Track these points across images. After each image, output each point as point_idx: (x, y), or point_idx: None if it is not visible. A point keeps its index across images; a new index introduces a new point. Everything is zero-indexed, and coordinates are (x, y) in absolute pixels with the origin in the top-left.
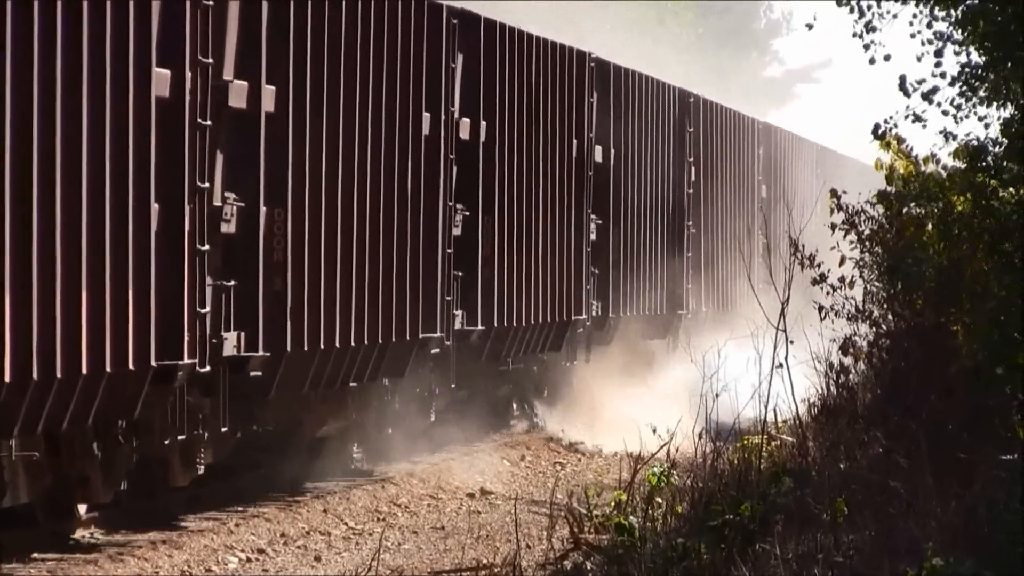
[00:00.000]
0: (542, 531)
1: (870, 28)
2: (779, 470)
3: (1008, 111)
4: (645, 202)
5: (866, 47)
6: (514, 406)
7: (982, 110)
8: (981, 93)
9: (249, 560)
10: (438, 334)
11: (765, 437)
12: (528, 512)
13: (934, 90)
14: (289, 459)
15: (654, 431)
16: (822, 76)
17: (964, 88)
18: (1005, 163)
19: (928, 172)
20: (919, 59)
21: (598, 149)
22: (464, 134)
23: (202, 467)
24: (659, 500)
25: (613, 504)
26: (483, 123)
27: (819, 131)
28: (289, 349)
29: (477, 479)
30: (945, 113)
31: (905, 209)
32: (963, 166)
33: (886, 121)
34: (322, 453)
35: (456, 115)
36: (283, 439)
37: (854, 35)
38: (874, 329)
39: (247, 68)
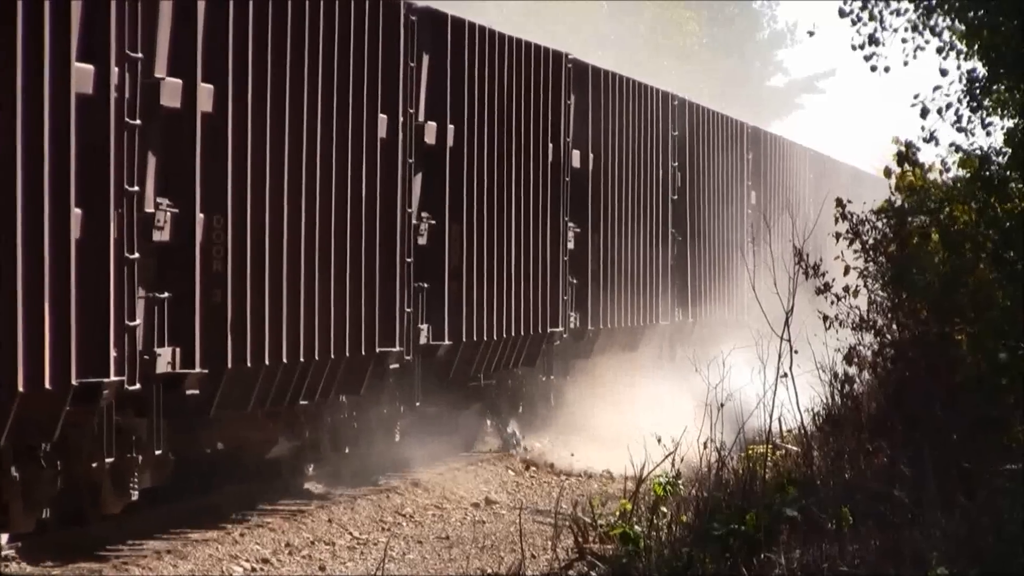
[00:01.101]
0: (547, 541)
1: (873, 41)
2: (784, 480)
3: (1013, 122)
4: (627, 209)
5: (867, 58)
6: (488, 423)
7: (984, 115)
8: (987, 103)
9: (254, 570)
10: (397, 348)
11: (770, 447)
12: (533, 522)
13: (949, 105)
14: (237, 482)
15: (659, 441)
16: (826, 86)
17: (970, 101)
18: (1009, 173)
19: (932, 181)
20: (906, 63)
21: (576, 154)
22: (429, 138)
23: (136, 493)
24: (664, 510)
25: (618, 514)
26: (451, 127)
27: (823, 140)
28: (230, 365)
29: (482, 488)
30: (960, 130)
31: (910, 219)
32: (967, 176)
33: (908, 146)
34: (273, 475)
35: (421, 118)
36: (231, 461)
37: (853, 47)
38: (878, 339)
39: (182, 65)
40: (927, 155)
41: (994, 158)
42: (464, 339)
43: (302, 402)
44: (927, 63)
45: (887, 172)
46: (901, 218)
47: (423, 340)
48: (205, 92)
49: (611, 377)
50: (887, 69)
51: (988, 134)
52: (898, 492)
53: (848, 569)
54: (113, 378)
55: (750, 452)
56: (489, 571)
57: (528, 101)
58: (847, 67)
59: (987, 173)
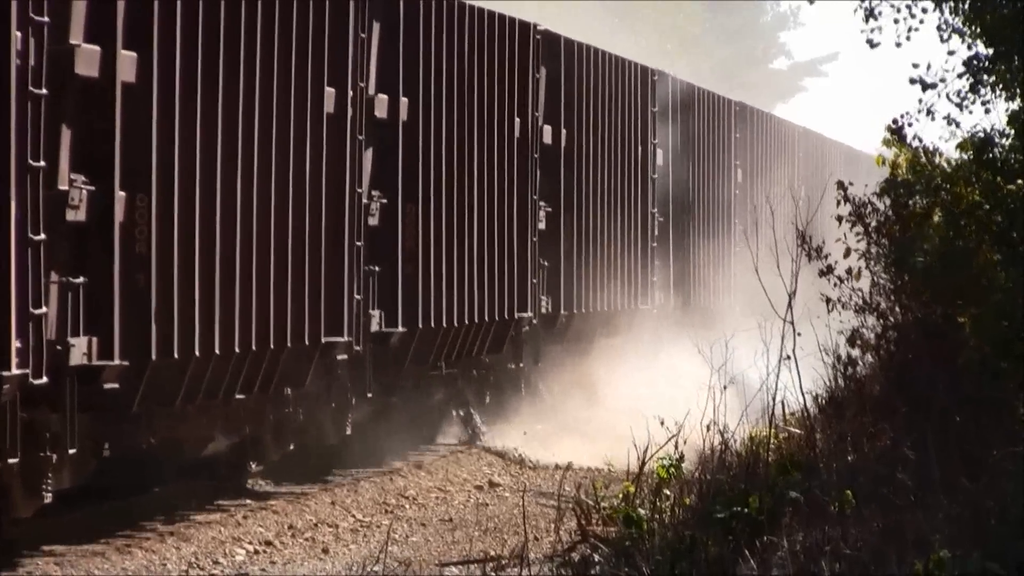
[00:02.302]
0: (550, 523)
1: (871, 15)
2: (787, 462)
3: (1016, 103)
4: (604, 188)
5: (870, 42)
6: (455, 414)
7: (987, 94)
8: (988, 83)
9: (257, 552)
10: (345, 338)
11: (773, 429)
12: (536, 504)
13: (942, 80)
14: (168, 481)
15: (662, 423)
16: (829, 69)
17: (971, 80)
18: (1012, 155)
19: (936, 163)
20: (902, 41)
21: (547, 129)
22: (381, 112)
23: (49, 495)
24: (667, 492)
25: (621, 496)
26: (404, 100)
27: (825, 123)
28: (155, 357)
29: (485, 471)
30: (958, 106)
31: (912, 201)
32: (969, 158)
33: (903, 116)
34: (210, 474)
35: (372, 91)
36: (168, 459)
37: (862, 30)
38: (881, 321)
39: (100, 31)
40: (930, 132)
41: (997, 140)
42: (420, 326)
43: (238, 396)
44: (928, 45)
45: (880, 160)
46: (904, 198)
47: (374, 327)
48: (127, 60)
49: (586, 364)
50: (898, 44)
51: (987, 111)
52: (901, 475)
53: (851, 552)
54: (15, 371)
55: (753, 435)
56: (492, 553)
57: (492, 73)
58: (850, 51)
59: (990, 155)
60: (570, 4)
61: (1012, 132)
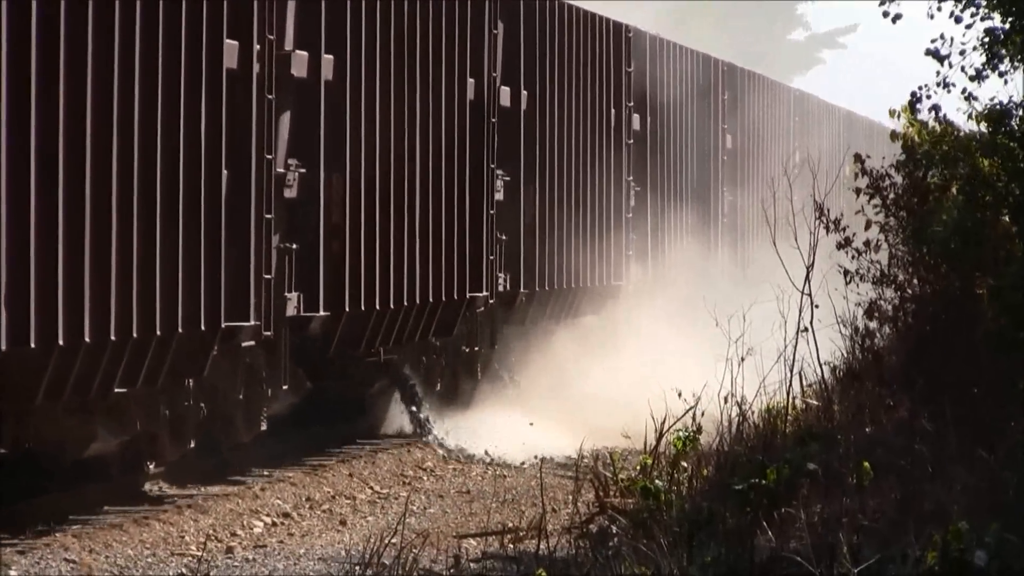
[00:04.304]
0: (568, 495)
1: None
2: (805, 434)
3: None
4: (571, 155)
5: (886, 14)
6: (395, 404)
7: (1005, 66)
8: (1004, 52)
9: (275, 524)
10: (252, 322)
11: (790, 401)
12: (553, 476)
13: (962, 52)
14: (50, 487)
15: (679, 395)
16: (847, 41)
17: (987, 53)
18: None
19: (953, 134)
20: (931, 16)
21: (506, 91)
22: (299, 71)
23: None
24: (684, 464)
25: (639, 468)
26: (328, 57)
27: (843, 95)
28: (4, 347)
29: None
30: (973, 79)
31: (931, 173)
32: (987, 130)
33: (920, 89)
34: (97, 476)
35: (287, 46)
36: (46, 461)
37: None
38: (899, 294)
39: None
40: (947, 105)
41: (1014, 111)
42: (348, 309)
43: (118, 390)
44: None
45: (894, 136)
46: (927, 167)
47: (291, 311)
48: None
49: (550, 346)
50: (896, 18)
51: (1005, 83)
52: (918, 446)
53: (868, 523)
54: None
55: (770, 406)
56: (510, 525)
57: (438, 29)
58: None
59: (1008, 127)
60: None
61: None
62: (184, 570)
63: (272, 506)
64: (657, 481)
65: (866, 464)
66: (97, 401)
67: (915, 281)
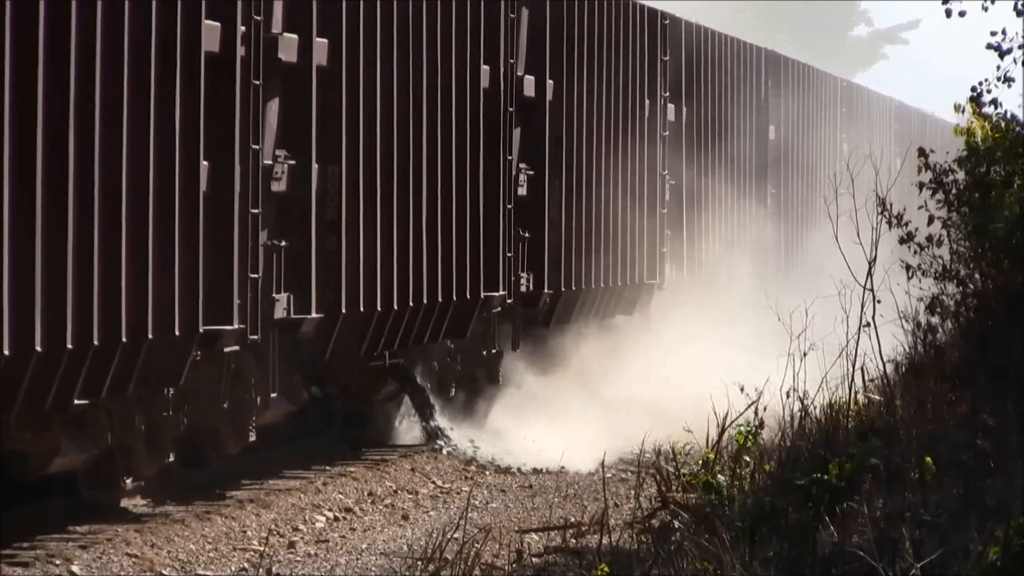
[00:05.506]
0: (630, 490)
1: None
2: (867, 429)
3: None
4: (601, 148)
5: (948, 13)
6: (412, 411)
7: None
8: None
9: (336, 519)
10: (236, 326)
11: (853, 396)
12: (616, 470)
13: (1021, 46)
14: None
15: (742, 390)
16: (910, 37)
17: None
18: None
19: (1016, 130)
20: (985, 9)
21: (529, 80)
22: (288, 55)
23: None
24: (747, 459)
25: (701, 463)
26: (321, 41)
27: (904, 92)
28: None
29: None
30: None
31: (994, 168)
32: None
33: (981, 83)
34: (63, 493)
35: (276, 29)
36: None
37: None
38: (961, 289)
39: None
40: (1008, 99)
41: None
42: (344, 310)
43: (78, 401)
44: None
45: (958, 130)
46: (989, 162)
47: (280, 313)
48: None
49: (577, 350)
50: (962, 14)
51: None
52: (980, 441)
53: (931, 518)
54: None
55: (832, 401)
56: (572, 519)
57: (447, 12)
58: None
59: None
60: None
61: None
62: (246, 565)
63: (334, 500)
64: (719, 476)
65: (928, 459)
66: (54, 414)
67: (977, 276)
